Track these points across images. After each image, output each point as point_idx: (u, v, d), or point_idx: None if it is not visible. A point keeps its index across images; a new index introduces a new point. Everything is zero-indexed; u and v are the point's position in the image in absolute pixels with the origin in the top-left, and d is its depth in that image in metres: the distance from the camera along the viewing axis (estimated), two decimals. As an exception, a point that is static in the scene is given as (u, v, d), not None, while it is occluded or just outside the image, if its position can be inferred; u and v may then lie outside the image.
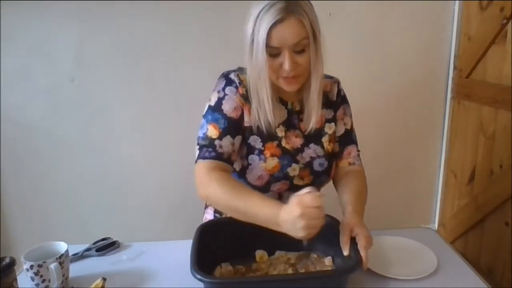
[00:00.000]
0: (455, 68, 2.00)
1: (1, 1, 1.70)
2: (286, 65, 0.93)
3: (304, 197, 0.81)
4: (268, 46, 0.92)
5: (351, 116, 1.17)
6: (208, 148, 0.99)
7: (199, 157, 1.00)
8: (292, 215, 0.81)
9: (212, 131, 1.00)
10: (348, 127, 1.15)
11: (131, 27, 1.80)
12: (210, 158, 0.98)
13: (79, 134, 1.89)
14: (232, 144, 1.00)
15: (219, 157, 0.98)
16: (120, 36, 1.80)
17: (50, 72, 1.81)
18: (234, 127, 1.01)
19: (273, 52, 0.94)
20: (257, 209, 0.89)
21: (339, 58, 1.88)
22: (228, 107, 1.02)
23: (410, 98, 2.05)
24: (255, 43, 0.93)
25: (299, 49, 0.94)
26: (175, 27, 1.82)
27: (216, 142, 0.99)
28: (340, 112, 1.14)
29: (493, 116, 1.77)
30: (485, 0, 1.78)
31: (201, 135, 1.02)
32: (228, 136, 1.00)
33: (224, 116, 1.01)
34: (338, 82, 1.15)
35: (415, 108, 2.07)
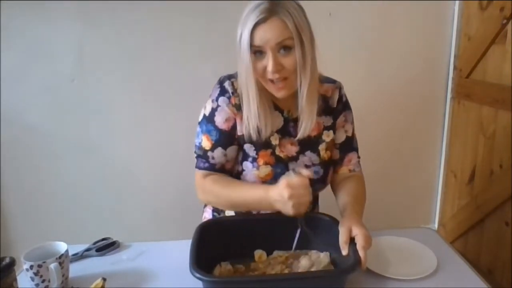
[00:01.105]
0: (455, 68, 2.00)
1: (1, 1, 1.70)
2: (269, 66, 0.93)
3: (291, 179, 0.88)
4: (252, 46, 0.92)
5: (352, 123, 1.15)
6: (202, 158, 1.07)
7: (196, 166, 1.08)
8: (282, 196, 0.88)
9: (205, 142, 1.05)
10: (349, 134, 1.14)
11: (131, 27, 1.80)
12: (204, 168, 1.06)
13: (79, 134, 1.89)
14: (225, 155, 1.05)
15: (212, 168, 1.06)
16: (120, 36, 1.80)
17: (50, 72, 1.81)
18: (226, 138, 1.04)
19: (257, 51, 0.94)
20: (248, 194, 0.99)
21: (339, 58, 1.89)
22: (220, 119, 1.04)
23: (410, 98, 2.05)
24: (242, 44, 0.93)
25: (283, 51, 0.93)
26: (175, 27, 1.82)
27: (209, 154, 1.05)
28: (341, 119, 1.12)
29: (493, 116, 1.77)
30: (485, 0, 1.78)
31: (197, 144, 1.07)
32: (220, 148, 1.04)
33: (216, 128, 1.04)
34: (340, 88, 1.13)
35: (415, 108, 2.07)
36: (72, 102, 1.85)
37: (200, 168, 1.07)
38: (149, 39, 1.82)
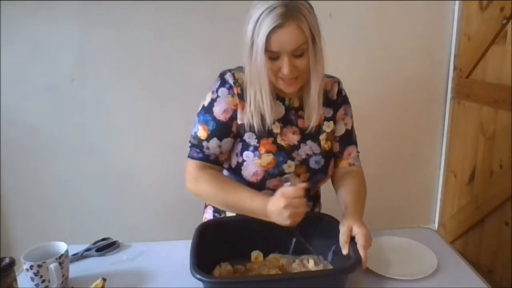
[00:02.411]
0: (455, 68, 2.00)
1: (1, 1, 1.70)
2: (285, 69, 0.95)
3: (287, 189, 0.90)
4: (267, 50, 0.93)
5: (351, 117, 1.17)
6: (196, 148, 1.06)
7: (189, 155, 1.07)
8: (278, 206, 0.89)
9: (202, 132, 1.05)
10: (349, 127, 1.15)
11: (131, 27, 1.80)
12: (198, 158, 1.06)
13: (79, 134, 1.89)
14: (219, 146, 1.05)
15: (205, 158, 1.06)
16: (120, 36, 1.80)
17: (50, 72, 1.81)
18: (222, 130, 1.05)
19: (272, 56, 0.95)
20: (246, 202, 0.98)
21: (339, 58, 1.88)
22: (218, 110, 1.05)
23: (410, 98, 2.05)
24: (254, 46, 0.94)
25: (298, 54, 0.95)
26: (175, 27, 1.82)
27: (204, 144, 1.05)
28: (340, 112, 1.14)
29: (493, 116, 1.76)
30: (485, 0, 1.78)
31: (192, 133, 1.07)
32: (215, 139, 1.05)
33: (214, 118, 1.05)
34: (338, 82, 1.15)
35: (415, 108, 2.07)
36: (72, 102, 1.85)
37: (193, 158, 1.06)
38: (149, 39, 1.82)
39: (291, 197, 0.89)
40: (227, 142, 1.06)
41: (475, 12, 1.84)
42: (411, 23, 1.95)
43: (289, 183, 0.91)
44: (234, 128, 1.06)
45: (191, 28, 1.82)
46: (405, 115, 2.07)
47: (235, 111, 1.05)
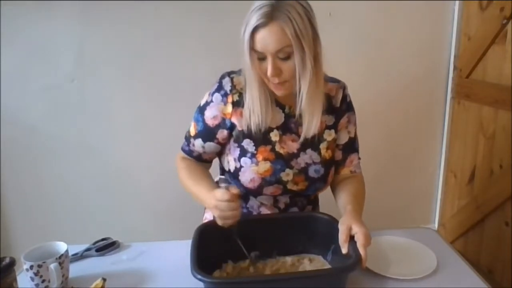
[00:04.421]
0: (455, 68, 2.00)
1: (1, 1, 1.70)
2: (269, 71, 0.94)
3: (216, 192, 0.92)
4: (253, 49, 0.93)
5: (355, 124, 1.15)
6: (186, 141, 1.14)
7: (181, 146, 1.15)
8: (209, 206, 0.94)
9: (192, 129, 1.12)
10: (352, 135, 1.14)
11: (131, 27, 1.80)
12: (184, 151, 1.15)
13: (79, 134, 1.89)
14: (203, 147, 1.10)
15: (190, 153, 1.14)
16: (120, 36, 1.80)
17: (50, 72, 1.81)
18: (207, 134, 1.09)
19: (260, 56, 0.94)
20: (202, 193, 1.02)
21: (339, 58, 1.89)
22: (208, 114, 1.07)
23: (410, 98, 2.05)
24: (244, 45, 0.94)
25: (282, 56, 0.93)
26: (175, 27, 1.82)
27: (191, 140, 1.12)
28: (344, 120, 1.12)
29: (493, 116, 1.77)
30: (485, 0, 1.78)
31: (188, 127, 1.13)
32: (200, 139, 1.10)
33: (203, 120, 1.08)
34: (344, 87, 1.12)
35: (415, 108, 2.07)
36: (72, 102, 1.85)
37: (181, 149, 1.15)
38: (149, 39, 1.82)
39: (219, 199, 0.90)
40: (210, 145, 1.09)
41: (475, 12, 1.84)
42: (411, 23, 1.95)
43: (224, 185, 0.92)
44: (219, 136, 1.07)
45: (191, 28, 1.82)
46: (405, 115, 2.07)
47: (224, 120, 1.05)
